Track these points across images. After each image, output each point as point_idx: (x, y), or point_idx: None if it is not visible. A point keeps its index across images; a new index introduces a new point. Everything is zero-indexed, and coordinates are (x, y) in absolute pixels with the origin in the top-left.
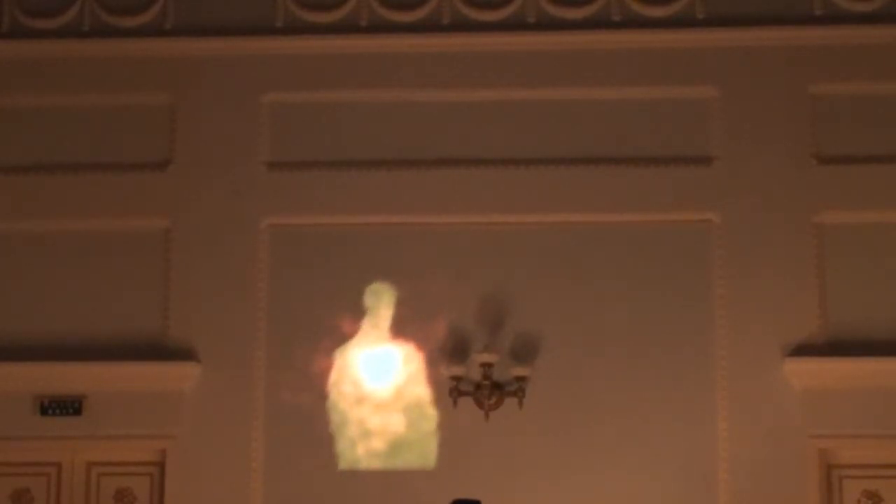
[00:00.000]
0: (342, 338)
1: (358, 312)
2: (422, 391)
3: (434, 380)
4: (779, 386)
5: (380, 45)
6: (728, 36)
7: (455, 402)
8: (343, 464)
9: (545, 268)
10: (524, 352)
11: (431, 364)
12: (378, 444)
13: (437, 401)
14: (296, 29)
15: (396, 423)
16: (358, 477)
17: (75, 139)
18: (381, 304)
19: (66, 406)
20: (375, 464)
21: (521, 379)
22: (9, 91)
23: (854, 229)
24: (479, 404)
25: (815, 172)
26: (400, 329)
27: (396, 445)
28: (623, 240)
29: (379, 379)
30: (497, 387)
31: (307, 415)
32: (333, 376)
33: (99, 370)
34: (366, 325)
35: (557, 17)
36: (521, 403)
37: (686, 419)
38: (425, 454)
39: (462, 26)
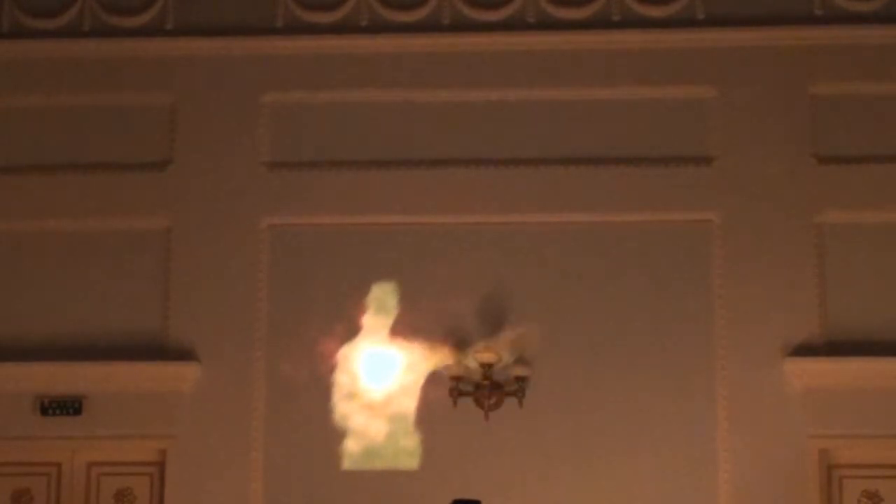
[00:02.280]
0: (342, 338)
1: (358, 312)
2: (422, 391)
3: (434, 380)
4: (779, 386)
5: (380, 45)
6: (728, 36)
7: (455, 402)
8: (343, 464)
9: (545, 268)
10: (524, 352)
11: (431, 364)
12: (377, 443)
13: (437, 401)
14: (296, 29)
15: (396, 424)
16: (357, 477)
17: (75, 139)
18: (382, 303)
19: (66, 406)
20: (375, 464)
21: (521, 379)
22: (9, 91)
23: (854, 229)
24: (479, 404)
25: (815, 172)
26: (400, 329)
27: (395, 445)
28: (623, 240)
29: (379, 378)
30: (497, 387)
31: (308, 414)
32: (334, 376)
33: (99, 370)
34: (366, 324)
35: (557, 17)
36: (521, 403)
37: (686, 419)
38: (425, 455)
39: (462, 26)
